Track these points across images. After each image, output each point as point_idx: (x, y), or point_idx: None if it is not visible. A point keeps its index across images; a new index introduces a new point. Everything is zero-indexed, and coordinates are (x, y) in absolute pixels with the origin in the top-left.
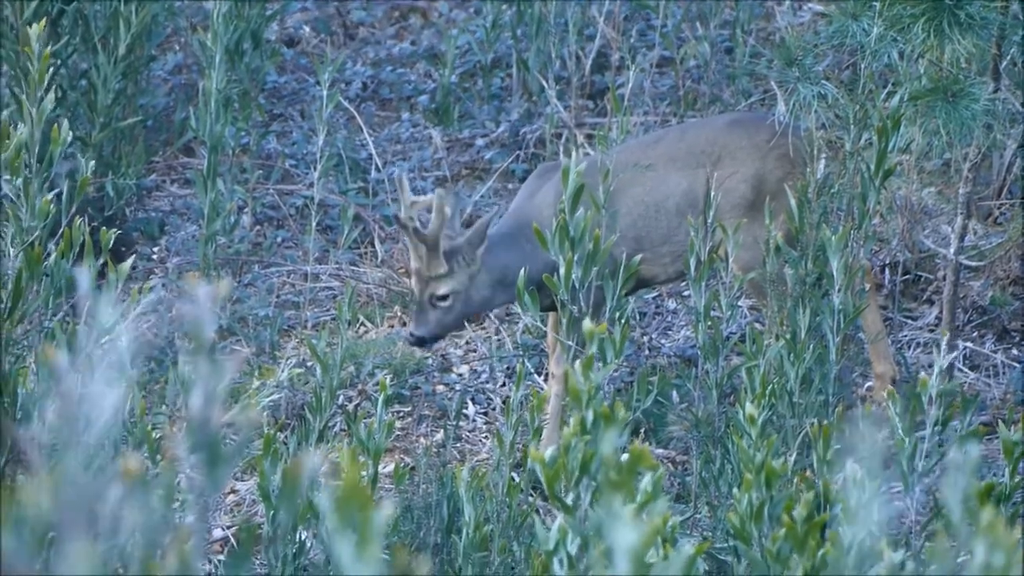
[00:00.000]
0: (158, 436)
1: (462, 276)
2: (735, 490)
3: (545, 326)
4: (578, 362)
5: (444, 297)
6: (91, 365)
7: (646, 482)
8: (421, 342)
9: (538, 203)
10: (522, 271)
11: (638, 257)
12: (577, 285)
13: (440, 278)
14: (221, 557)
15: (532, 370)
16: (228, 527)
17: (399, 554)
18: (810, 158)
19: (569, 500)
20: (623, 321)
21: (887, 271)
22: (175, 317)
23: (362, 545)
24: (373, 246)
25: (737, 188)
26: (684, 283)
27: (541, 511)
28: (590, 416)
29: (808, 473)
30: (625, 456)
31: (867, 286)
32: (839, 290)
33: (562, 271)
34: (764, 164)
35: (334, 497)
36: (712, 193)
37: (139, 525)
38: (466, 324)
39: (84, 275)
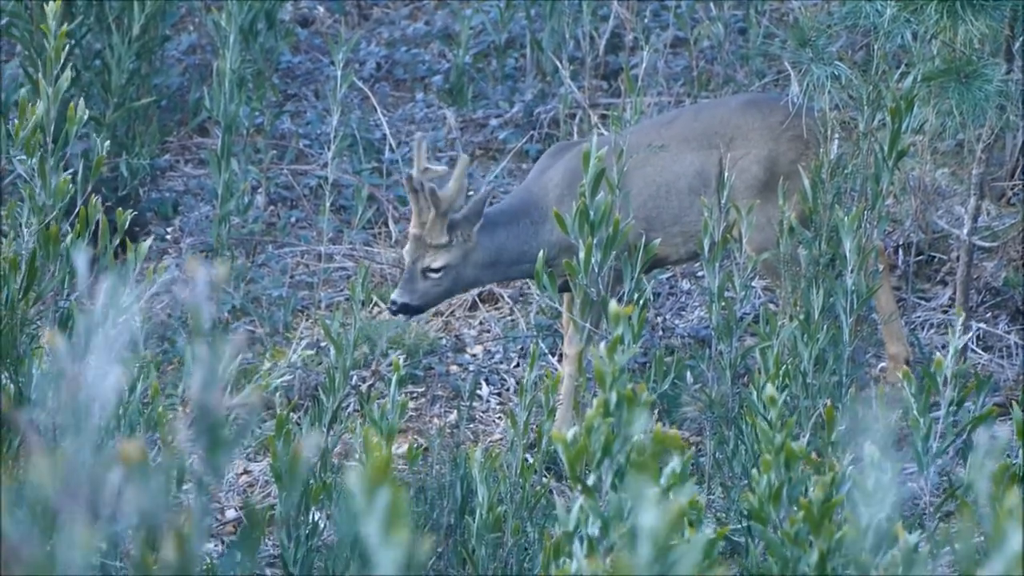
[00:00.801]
0: (168, 418)
1: (457, 252)
2: (752, 471)
3: (560, 307)
4: (602, 344)
5: (437, 270)
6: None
7: (674, 464)
8: (404, 309)
9: (545, 182)
10: (541, 253)
11: (657, 240)
12: (596, 268)
13: (438, 249)
14: (232, 538)
15: (546, 351)
16: (240, 508)
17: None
18: (823, 139)
19: (590, 482)
20: (641, 303)
21: (900, 252)
22: (185, 297)
23: (389, 526)
24: (387, 226)
25: (750, 169)
26: (698, 264)
27: (555, 491)
28: (613, 398)
29: (814, 455)
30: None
31: (880, 267)
32: (852, 271)
33: (581, 254)
34: (777, 145)
35: (360, 478)
36: (726, 174)
37: (139, 509)
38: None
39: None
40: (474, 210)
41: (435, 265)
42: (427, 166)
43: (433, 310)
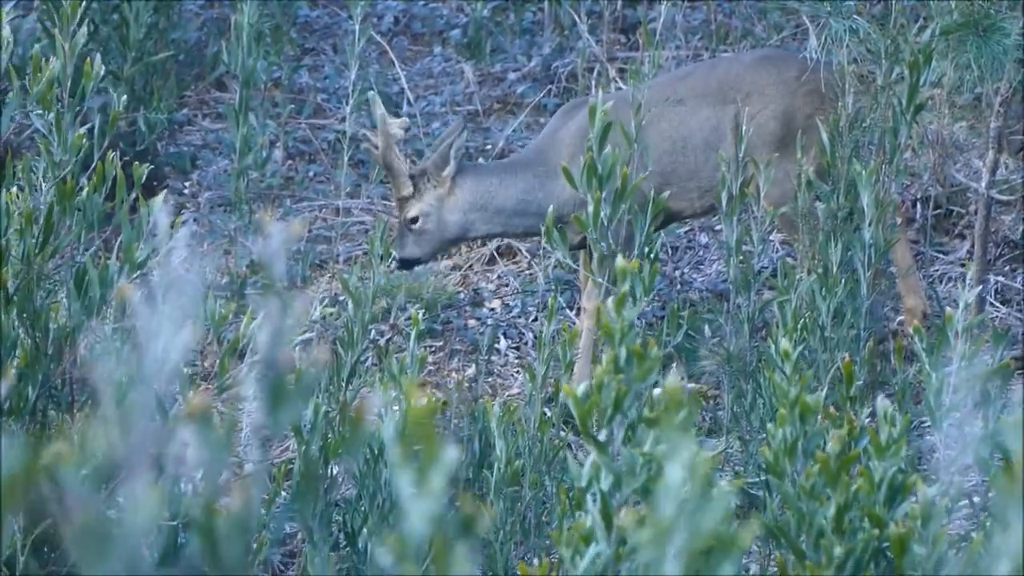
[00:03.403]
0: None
1: (430, 198)
2: (768, 425)
3: (575, 264)
4: (610, 299)
5: (415, 219)
6: (162, 300)
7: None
8: (404, 264)
9: (557, 139)
10: (551, 208)
11: (666, 193)
12: (606, 222)
13: (408, 200)
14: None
15: (564, 305)
16: (260, 462)
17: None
18: (841, 93)
19: (602, 437)
20: (653, 257)
21: (918, 205)
22: (207, 252)
23: (425, 480)
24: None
25: (767, 124)
26: (716, 217)
27: (573, 446)
28: (623, 354)
29: (832, 409)
30: (658, 391)
31: (898, 220)
32: (870, 224)
33: (590, 208)
34: (793, 100)
35: (398, 429)
36: (744, 128)
37: (202, 464)
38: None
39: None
40: (440, 155)
41: (410, 215)
42: (389, 121)
43: (450, 264)
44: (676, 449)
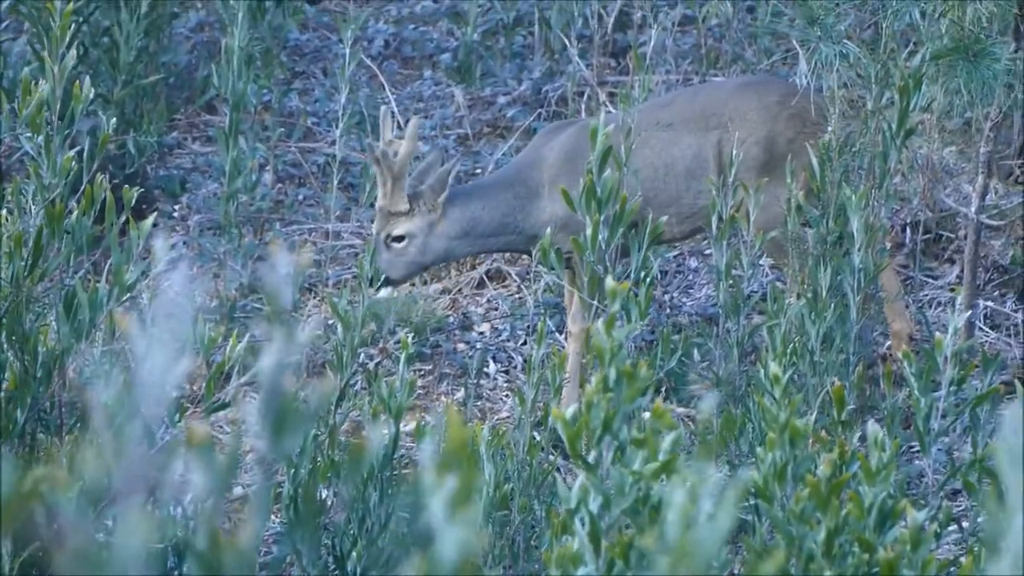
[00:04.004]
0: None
1: (420, 220)
2: (758, 449)
3: (566, 284)
4: (600, 320)
5: (400, 238)
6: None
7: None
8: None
9: (538, 160)
10: (548, 229)
11: (664, 218)
12: (604, 245)
13: (399, 216)
14: (241, 516)
15: (553, 328)
16: (248, 486)
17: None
18: (829, 117)
19: (591, 459)
20: (648, 281)
21: (908, 230)
22: (197, 276)
23: (460, 506)
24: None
25: (749, 150)
26: (705, 241)
27: (561, 469)
28: (612, 374)
29: (823, 433)
30: (647, 415)
31: (887, 245)
32: (860, 249)
33: (588, 231)
34: (775, 125)
35: (437, 455)
36: (734, 152)
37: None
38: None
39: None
40: (439, 180)
41: (396, 232)
42: (392, 138)
43: (439, 287)
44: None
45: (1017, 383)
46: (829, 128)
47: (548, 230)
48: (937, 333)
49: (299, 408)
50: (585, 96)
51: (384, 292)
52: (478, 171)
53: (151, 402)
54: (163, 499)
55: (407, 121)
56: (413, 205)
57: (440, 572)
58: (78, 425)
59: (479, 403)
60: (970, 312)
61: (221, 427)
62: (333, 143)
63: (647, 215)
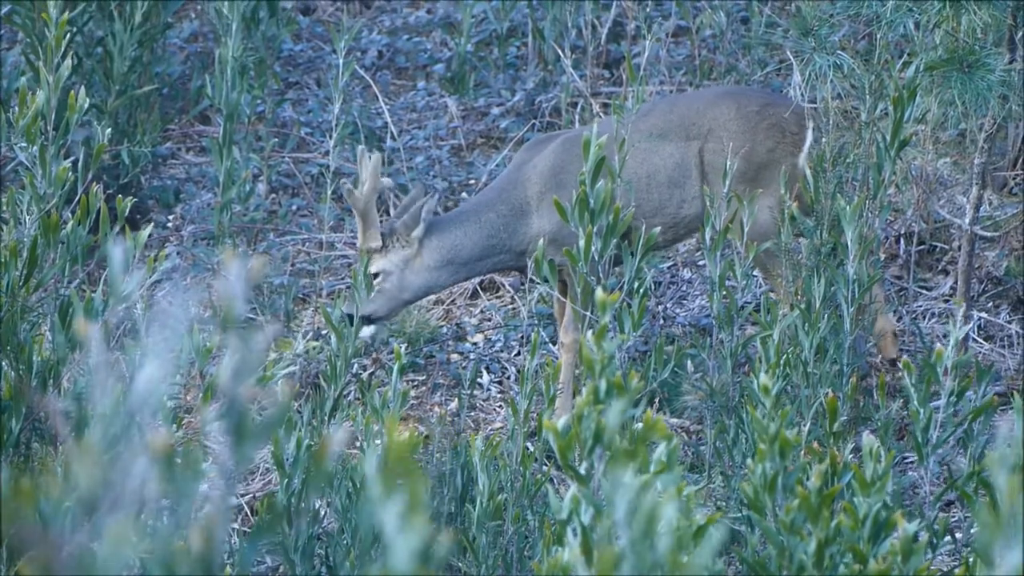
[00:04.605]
0: (178, 407)
1: (395, 257)
2: (749, 460)
3: (561, 296)
4: (591, 332)
5: (375, 275)
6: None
7: (660, 452)
8: (349, 320)
9: (522, 177)
10: (541, 240)
11: (657, 229)
12: (597, 257)
13: (372, 253)
14: (235, 525)
15: (547, 339)
16: (241, 495)
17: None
18: (807, 126)
19: (582, 470)
20: (642, 293)
21: (902, 241)
22: (191, 285)
23: (408, 514)
24: (388, 214)
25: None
26: (699, 251)
27: (555, 480)
28: (603, 385)
29: (816, 445)
30: (639, 426)
31: (881, 256)
32: (854, 260)
33: (581, 243)
34: (754, 136)
35: (380, 464)
36: (728, 164)
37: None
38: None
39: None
40: (412, 216)
41: (372, 270)
42: (372, 183)
43: (433, 298)
44: (619, 484)
45: (1016, 395)
46: (809, 139)
47: (541, 242)
48: (938, 344)
49: (255, 417)
50: (579, 107)
51: (367, 331)
52: (472, 182)
53: (143, 412)
54: (151, 507)
55: (400, 132)
56: (387, 241)
57: None
58: (72, 435)
59: (472, 413)
60: (968, 324)
61: (216, 438)
62: (327, 153)
63: (639, 225)
